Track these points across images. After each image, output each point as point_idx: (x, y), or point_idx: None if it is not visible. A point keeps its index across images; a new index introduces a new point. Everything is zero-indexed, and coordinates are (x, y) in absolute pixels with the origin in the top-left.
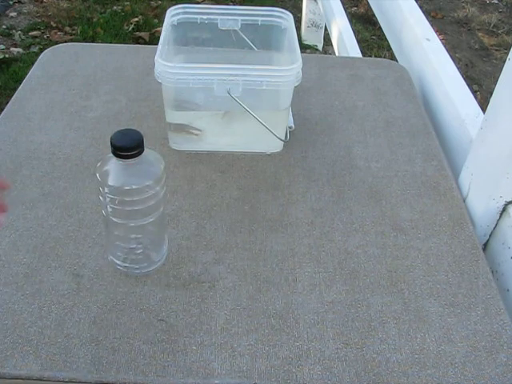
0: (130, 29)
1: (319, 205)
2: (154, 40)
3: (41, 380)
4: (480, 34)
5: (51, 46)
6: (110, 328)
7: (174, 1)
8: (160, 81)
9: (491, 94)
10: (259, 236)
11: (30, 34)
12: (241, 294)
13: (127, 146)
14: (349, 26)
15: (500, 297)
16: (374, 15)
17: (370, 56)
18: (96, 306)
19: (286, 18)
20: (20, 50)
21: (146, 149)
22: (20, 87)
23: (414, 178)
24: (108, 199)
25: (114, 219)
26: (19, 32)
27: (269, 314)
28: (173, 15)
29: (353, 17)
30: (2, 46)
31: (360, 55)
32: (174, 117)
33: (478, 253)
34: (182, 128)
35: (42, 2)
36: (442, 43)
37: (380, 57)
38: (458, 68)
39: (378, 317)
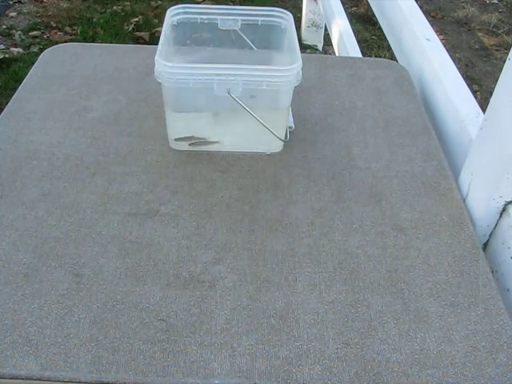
0: (130, 29)
1: (319, 205)
2: (154, 40)
3: (41, 380)
4: (480, 34)
5: (51, 46)
6: (109, 328)
7: (174, 1)
8: (160, 81)
9: (491, 93)
10: (259, 236)
11: (30, 34)
12: (241, 294)
13: None
14: (349, 25)
15: (500, 297)
16: (374, 15)
17: (370, 56)
18: (96, 305)
19: (285, 18)
20: (20, 49)
21: None
22: (20, 87)
23: (413, 178)
24: None
25: None
26: (19, 32)
27: (269, 314)
28: (173, 15)
29: (353, 17)
30: (1, 46)
31: (360, 55)
32: (174, 117)
33: (478, 253)
34: (189, 140)
35: (42, 2)
36: (442, 43)
37: (380, 57)
38: (457, 68)
39: (377, 317)
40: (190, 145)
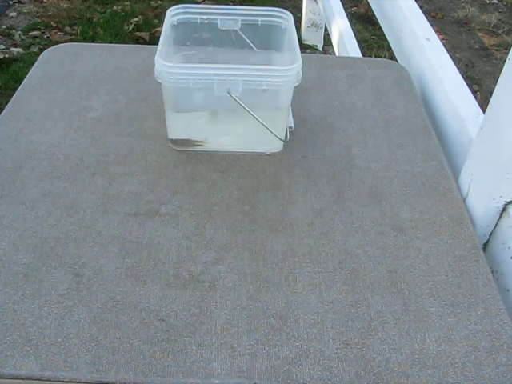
0: (130, 29)
1: (319, 205)
2: (154, 40)
3: (41, 380)
4: (480, 34)
5: (51, 46)
6: (110, 328)
7: (174, 1)
8: (160, 81)
9: (491, 94)
10: (259, 236)
11: (30, 34)
12: (241, 294)
13: None
14: (349, 25)
15: (500, 297)
16: (374, 15)
17: (370, 56)
18: (96, 305)
19: (286, 18)
20: (20, 49)
21: None
22: (20, 87)
23: (413, 178)
24: None
25: None
26: (19, 32)
27: (269, 314)
28: (173, 15)
29: (353, 17)
30: (1, 46)
31: (360, 55)
32: (174, 118)
33: (478, 253)
34: (186, 143)
35: (42, 2)
36: (442, 43)
37: (380, 57)
38: (457, 68)
39: (377, 317)
40: (172, 143)
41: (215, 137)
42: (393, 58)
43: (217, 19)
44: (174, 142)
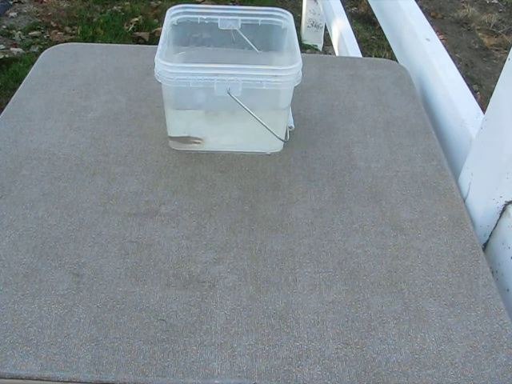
0: (130, 29)
1: (319, 205)
2: (154, 40)
3: (41, 380)
4: (480, 34)
5: (51, 45)
6: (110, 328)
7: (174, 1)
8: (160, 81)
9: (491, 94)
10: (259, 236)
11: (30, 34)
12: (241, 293)
13: None
14: (349, 25)
15: (500, 297)
16: (374, 15)
17: (370, 56)
18: (96, 305)
19: (285, 18)
20: (20, 49)
21: None
22: (20, 87)
23: (413, 178)
24: None
25: None
26: (19, 32)
27: (269, 314)
28: (173, 15)
29: (353, 17)
30: (1, 46)
31: (360, 55)
32: (174, 117)
33: (478, 253)
34: (184, 140)
35: (42, 2)
36: (442, 43)
37: (380, 57)
38: (458, 68)
39: (377, 317)
40: (171, 141)
41: (215, 137)
42: (393, 58)
43: (217, 19)
44: (174, 139)
